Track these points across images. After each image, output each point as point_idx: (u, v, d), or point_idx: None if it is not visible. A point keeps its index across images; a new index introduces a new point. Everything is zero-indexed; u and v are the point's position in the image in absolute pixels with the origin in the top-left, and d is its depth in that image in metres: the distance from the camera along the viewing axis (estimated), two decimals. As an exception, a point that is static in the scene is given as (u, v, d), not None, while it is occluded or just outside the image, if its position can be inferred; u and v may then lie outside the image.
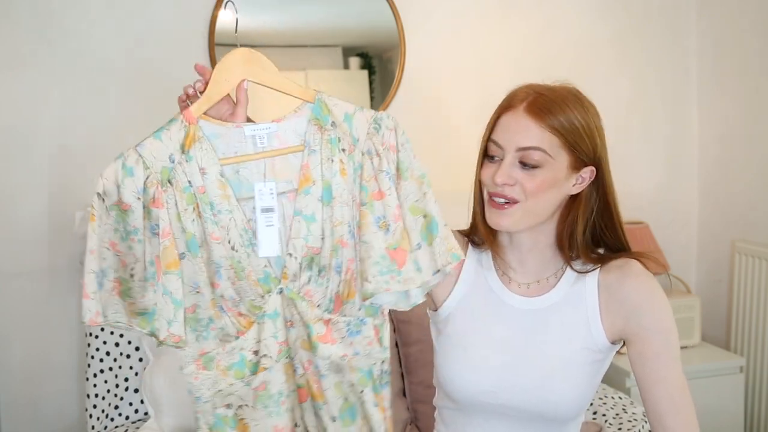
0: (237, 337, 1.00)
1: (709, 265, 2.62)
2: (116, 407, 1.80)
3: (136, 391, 1.81)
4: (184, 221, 0.97)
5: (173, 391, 1.70)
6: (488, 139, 1.08)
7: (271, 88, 1.02)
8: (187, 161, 0.97)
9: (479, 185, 1.12)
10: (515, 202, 1.05)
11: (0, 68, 1.99)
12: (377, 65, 2.33)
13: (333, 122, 0.98)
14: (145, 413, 1.82)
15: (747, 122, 2.41)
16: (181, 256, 0.97)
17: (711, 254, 2.61)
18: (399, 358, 1.83)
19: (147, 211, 0.95)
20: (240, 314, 1.00)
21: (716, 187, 2.58)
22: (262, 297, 0.99)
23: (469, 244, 1.19)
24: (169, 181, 0.96)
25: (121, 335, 1.82)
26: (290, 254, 0.98)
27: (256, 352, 1.00)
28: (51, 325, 2.08)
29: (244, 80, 1.01)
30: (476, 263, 1.17)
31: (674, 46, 2.60)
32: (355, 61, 2.31)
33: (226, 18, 2.14)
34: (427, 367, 1.75)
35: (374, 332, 1.03)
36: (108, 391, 1.80)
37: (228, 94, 1.02)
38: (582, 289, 1.11)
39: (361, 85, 2.33)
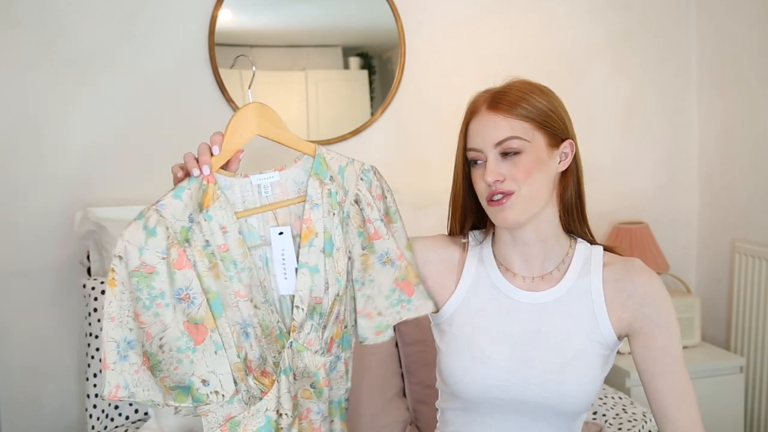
0: (261, 398, 0.98)
1: (709, 265, 2.62)
2: (116, 407, 1.80)
3: (136, 391, 1.81)
4: (206, 282, 0.95)
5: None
6: (465, 150, 1.12)
7: (278, 143, 1.06)
8: (206, 220, 0.96)
9: (463, 196, 1.16)
10: (511, 193, 1.07)
11: (0, 68, 1.99)
12: (377, 65, 2.33)
13: (331, 176, 1.04)
14: (145, 413, 1.82)
15: (747, 122, 2.41)
16: (214, 318, 0.96)
17: (711, 254, 2.61)
18: (399, 358, 1.83)
19: (171, 273, 0.92)
20: (264, 373, 1.00)
21: (716, 187, 2.58)
22: (280, 353, 1.00)
23: (469, 243, 1.19)
24: (187, 241, 0.95)
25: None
26: (297, 306, 1.01)
27: (278, 412, 0.99)
28: (51, 325, 2.08)
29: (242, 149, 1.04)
30: (477, 261, 1.17)
31: (674, 47, 2.60)
32: (355, 61, 2.31)
33: (226, 18, 2.14)
34: (427, 367, 1.75)
35: (344, 366, 1.09)
36: (108, 391, 1.80)
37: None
38: (587, 284, 1.12)
39: (361, 85, 2.33)
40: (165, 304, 0.92)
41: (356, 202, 1.04)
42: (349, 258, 1.04)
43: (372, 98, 2.33)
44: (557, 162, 1.11)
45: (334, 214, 1.02)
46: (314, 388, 1.03)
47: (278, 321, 1.01)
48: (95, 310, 1.82)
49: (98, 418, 1.78)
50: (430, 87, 2.34)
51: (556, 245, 1.15)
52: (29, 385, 2.07)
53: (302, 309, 1.01)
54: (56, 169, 2.05)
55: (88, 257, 2.00)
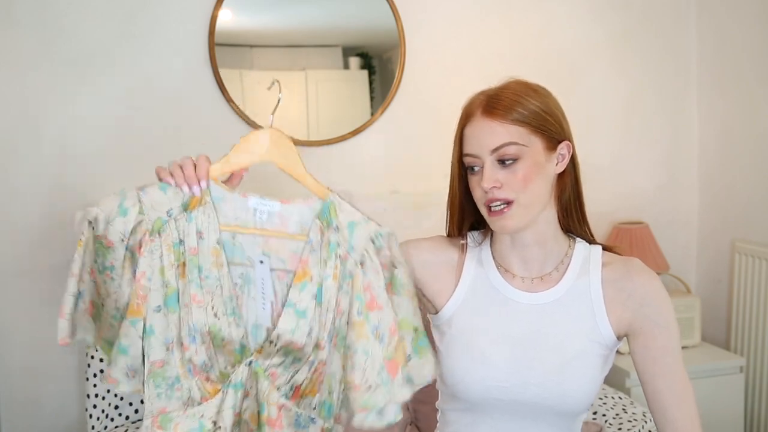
0: (200, 403, 0.99)
1: (709, 265, 2.62)
2: (116, 407, 1.81)
3: (136, 391, 1.81)
4: (167, 275, 0.97)
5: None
6: (461, 156, 1.11)
7: (289, 175, 1.03)
8: (186, 221, 0.97)
9: (461, 199, 1.14)
10: (510, 202, 1.06)
11: (0, 68, 1.99)
12: (377, 65, 2.33)
13: (337, 227, 0.98)
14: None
15: (747, 122, 2.41)
16: (156, 309, 0.97)
17: (711, 254, 2.61)
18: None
19: (131, 253, 0.96)
20: (208, 379, 0.99)
21: (716, 187, 2.58)
22: (233, 366, 0.99)
23: (467, 245, 1.19)
24: (158, 233, 0.97)
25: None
26: (272, 341, 0.98)
27: (215, 423, 0.98)
28: (51, 325, 2.06)
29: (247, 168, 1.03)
30: (476, 262, 1.17)
31: (674, 47, 2.60)
32: (355, 61, 2.31)
33: (226, 18, 2.14)
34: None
35: None
36: (108, 391, 1.80)
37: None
38: (586, 284, 1.12)
39: (361, 85, 2.33)
40: (112, 278, 0.98)
41: (361, 263, 0.97)
42: (348, 322, 0.98)
43: (372, 98, 2.33)
44: (555, 164, 1.10)
45: (327, 264, 0.97)
46: (258, 418, 0.99)
47: (242, 336, 0.99)
48: (95, 310, 1.82)
49: (98, 418, 1.78)
50: (430, 87, 2.34)
51: (555, 246, 1.15)
52: (29, 385, 2.07)
53: (275, 344, 0.98)
54: (56, 169, 2.05)
55: (88, 257, 2.00)
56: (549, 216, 1.13)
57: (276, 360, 0.99)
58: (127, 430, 1.76)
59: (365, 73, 2.32)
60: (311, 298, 0.98)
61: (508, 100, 1.06)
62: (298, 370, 0.99)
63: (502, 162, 1.06)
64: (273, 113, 1.12)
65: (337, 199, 0.99)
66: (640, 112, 2.60)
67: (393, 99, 2.31)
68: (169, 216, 0.97)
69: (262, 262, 0.99)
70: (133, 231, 0.96)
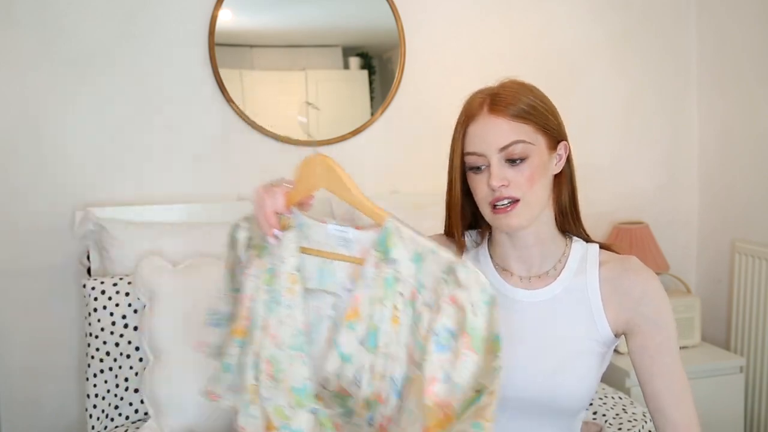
0: None
1: (709, 265, 2.62)
2: (116, 407, 1.80)
3: (136, 391, 1.81)
4: (257, 299, 0.96)
5: (173, 391, 1.70)
6: (464, 155, 1.09)
7: (344, 201, 0.99)
8: (278, 246, 0.96)
9: (461, 200, 1.13)
10: (516, 200, 1.06)
11: (0, 68, 1.99)
12: (377, 65, 2.33)
13: (395, 259, 0.88)
14: (145, 413, 1.81)
15: (747, 122, 2.41)
16: (252, 329, 0.95)
17: (711, 254, 2.61)
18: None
19: (235, 274, 1.02)
20: (267, 414, 0.92)
21: (716, 187, 2.58)
22: (292, 408, 0.90)
23: (465, 245, 1.19)
24: (260, 257, 0.97)
25: (121, 335, 1.82)
26: (323, 386, 0.90)
27: None
28: (51, 325, 2.08)
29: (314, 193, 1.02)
30: (473, 262, 1.17)
31: (674, 47, 2.60)
32: (355, 61, 2.31)
33: (226, 18, 2.14)
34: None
35: None
36: (108, 391, 1.80)
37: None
38: (583, 282, 1.12)
39: (361, 85, 2.33)
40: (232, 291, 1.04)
41: (430, 306, 0.85)
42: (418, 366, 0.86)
43: (372, 98, 2.33)
44: (554, 164, 1.11)
45: (384, 304, 0.87)
46: None
47: (307, 377, 0.89)
48: (95, 310, 1.82)
49: (98, 418, 1.78)
50: (430, 87, 2.34)
51: (553, 246, 1.15)
52: (29, 385, 2.07)
53: (327, 390, 0.90)
54: (56, 169, 2.05)
55: (88, 257, 2.00)
56: (547, 216, 1.13)
57: (338, 410, 0.90)
58: (127, 430, 1.76)
59: (365, 73, 2.32)
60: (358, 342, 0.89)
61: (512, 98, 1.06)
62: (359, 426, 0.90)
63: (509, 161, 1.06)
64: (314, 140, 1.13)
65: (396, 225, 0.90)
66: (640, 112, 2.60)
67: (393, 99, 2.31)
68: (268, 242, 0.97)
69: (349, 291, 0.93)
70: (247, 249, 1.01)
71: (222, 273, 1.03)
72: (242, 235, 1.00)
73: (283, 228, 0.96)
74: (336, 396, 0.90)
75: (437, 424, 0.79)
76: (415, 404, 0.82)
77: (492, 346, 0.81)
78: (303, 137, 2.24)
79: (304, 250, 0.96)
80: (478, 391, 0.80)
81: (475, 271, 0.84)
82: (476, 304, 0.81)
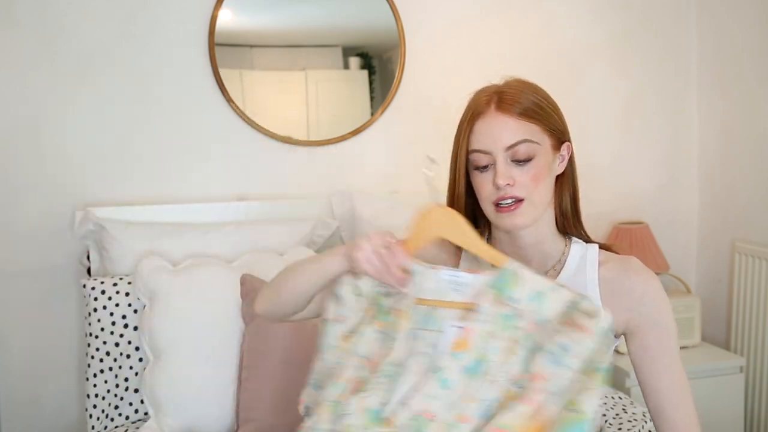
0: None
1: (709, 265, 2.62)
2: (116, 407, 1.80)
3: (136, 391, 1.81)
4: (363, 328, 1.01)
5: (173, 391, 1.70)
6: (469, 152, 1.09)
7: (464, 248, 1.03)
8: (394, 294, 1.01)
9: (465, 198, 1.13)
10: (521, 200, 1.06)
11: (0, 68, 1.99)
12: (377, 65, 2.33)
13: (514, 297, 0.93)
14: (145, 413, 1.81)
15: (747, 122, 2.41)
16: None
17: (711, 254, 2.61)
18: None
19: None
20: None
21: (716, 187, 2.58)
22: (362, 428, 0.94)
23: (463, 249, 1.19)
24: (377, 305, 1.03)
25: (121, 335, 1.82)
26: (404, 403, 0.92)
27: None
28: (51, 325, 2.08)
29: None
30: (472, 262, 1.17)
31: (674, 47, 2.60)
32: (355, 61, 2.31)
33: (226, 18, 2.15)
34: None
35: None
36: (108, 391, 1.80)
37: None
38: (582, 282, 1.12)
39: (361, 85, 2.33)
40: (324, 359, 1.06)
41: (556, 330, 0.91)
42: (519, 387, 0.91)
43: (372, 98, 2.33)
44: (557, 165, 1.11)
45: (496, 337, 0.91)
46: None
47: (383, 404, 0.94)
48: (95, 310, 1.82)
49: (98, 418, 1.78)
50: (430, 87, 2.34)
51: (553, 247, 1.15)
52: (29, 385, 2.07)
53: (408, 412, 0.92)
54: (56, 169, 2.05)
55: (88, 257, 2.00)
56: (547, 217, 1.13)
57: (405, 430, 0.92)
58: (127, 430, 1.76)
59: (365, 73, 2.32)
60: (461, 370, 0.92)
61: (517, 95, 1.06)
62: None
63: (515, 160, 1.05)
64: (433, 185, 1.15)
65: (516, 267, 0.95)
66: (640, 112, 2.60)
67: (393, 99, 2.31)
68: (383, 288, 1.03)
69: (461, 327, 0.96)
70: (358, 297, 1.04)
71: (319, 327, 1.07)
72: (345, 290, 1.05)
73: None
74: (417, 422, 0.92)
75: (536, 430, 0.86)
76: (505, 420, 0.87)
77: (594, 371, 0.87)
78: (303, 137, 2.24)
79: (420, 302, 0.99)
80: (573, 410, 0.86)
81: (597, 304, 0.93)
82: (593, 330, 0.89)
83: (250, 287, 1.74)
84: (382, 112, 2.30)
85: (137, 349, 1.82)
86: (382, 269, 1.00)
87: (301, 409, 1.07)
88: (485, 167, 1.07)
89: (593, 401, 0.87)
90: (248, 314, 1.73)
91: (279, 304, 1.16)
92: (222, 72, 2.14)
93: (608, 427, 1.80)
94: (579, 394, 0.87)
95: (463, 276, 0.99)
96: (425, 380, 0.93)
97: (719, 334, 2.55)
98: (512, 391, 0.89)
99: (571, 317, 0.90)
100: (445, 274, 1.00)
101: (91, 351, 1.81)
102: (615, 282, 1.10)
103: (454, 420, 0.90)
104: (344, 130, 2.28)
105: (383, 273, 1.00)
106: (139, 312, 1.82)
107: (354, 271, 1.04)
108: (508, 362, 0.91)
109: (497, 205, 1.07)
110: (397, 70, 2.30)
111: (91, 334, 1.82)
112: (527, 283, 0.94)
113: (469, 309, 0.96)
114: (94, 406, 1.79)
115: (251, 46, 2.23)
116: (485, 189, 1.08)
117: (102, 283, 1.84)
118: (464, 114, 1.10)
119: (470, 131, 1.08)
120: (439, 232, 1.02)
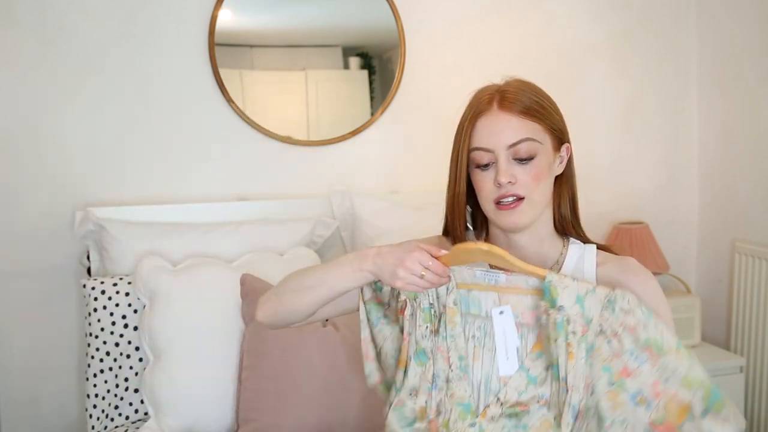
0: None
1: (709, 265, 2.62)
2: (116, 407, 1.80)
3: (136, 391, 1.81)
4: (417, 335, 1.08)
5: (173, 391, 1.70)
6: (470, 150, 1.08)
7: (505, 267, 1.06)
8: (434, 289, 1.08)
9: (465, 196, 1.13)
10: (521, 198, 1.06)
11: (0, 68, 1.99)
12: (377, 65, 2.33)
13: (561, 306, 0.99)
14: (145, 413, 1.81)
15: (747, 122, 2.41)
16: (408, 359, 1.09)
17: (711, 254, 2.61)
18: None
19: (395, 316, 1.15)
20: (432, 423, 1.06)
21: (716, 187, 2.58)
22: (457, 421, 1.04)
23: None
24: (414, 299, 1.09)
25: (121, 335, 1.82)
26: (499, 399, 1.02)
27: None
28: (51, 325, 2.08)
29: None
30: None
31: (674, 47, 2.60)
32: (355, 61, 2.31)
33: (226, 18, 2.14)
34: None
35: None
36: (108, 391, 1.80)
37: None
38: None
39: (361, 85, 2.33)
40: (380, 329, 1.18)
41: (601, 332, 0.98)
42: (592, 392, 0.98)
43: (372, 98, 2.33)
44: (557, 165, 1.11)
45: (557, 342, 0.98)
46: None
47: (469, 395, 1.04)
48: (95, 310, 1.82)
49: (98, 418, 1.78)
50: (430, 87, 2.34)
51: (551, 248, 1.15)
52: (29, 385, 2.07)
53: (502, 403, 1.02)
54: (56, 169, 2.05)
55: (88, 257, 2.00)
56: (546, 217, 1.13)
57: (499, 424, 1.02)
58: (127, 430, 1.76)
59: (365, 73, 2.32)
60: (544, 368, 1.02)
61: (519, 94, 1.06)
62: None
63: (517, 158, 1.05)
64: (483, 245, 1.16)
65: (555, 278, 1.00)
66: (640, 112, 2.60)
67: (393, 99, 2.31)
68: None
69: (502, 312, 1.04)
70: (398, 296, 1.11)
71: (362, 307, 1.17)
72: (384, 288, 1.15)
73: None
74: (507, 410, 1.02)
75: (681, 412, 1.00)
76: (620, 416, 0.96)
77: (672, 346, 0.99)
78: (303, 137, 2.24)
79: (460, 286, 1.08)
80: (701, 383, 1.06)
81: (630, 294, 0.97)
82: (642, 321, 0.97)
83: (250, 287, 1.74)
84: (382, 112, 2.30)
85: (137, 349, 1.82)
86: (426, 287, 1.05)
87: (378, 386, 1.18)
88: (486, 165, 1.07)
89: (701, 371, 1.03)
90: (248, 314, 1.73)
91: (283, 317, 1.17)
92: (222, 72, 2.14)
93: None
94: (689, 373, 1.02)
95: (498, 274, 1.06)
96: (516, 378, 1.02)
97: (719, 334, 2.55)
98: (612, 390, 0.97)
99: (621, 319, 0.97)
100: (480, 272, 1.07)
101: (91, 351, 1.81)
102: (613, 282, 1.10)
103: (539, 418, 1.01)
104: (344, 130, 2.28)
105: (427, 288, 1.06)
106: (139, 312, 1.82)
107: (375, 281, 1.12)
108: (576, 367, 0.97)
109: (498, 203, 1.07)
110: (397, 70, 2.30)
111: (91, 334, 1.82)
112: (569, 288, 0.99)
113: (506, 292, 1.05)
114: (94, 406, 1.79)
115: (251, 46, 2.23)
116: (486, 187, 1.08)
117: (102, 283, 1.84)
118: (465, 112, 1.10)
119: (472, 129, 1.08)
120: (478, 257, 1.04)
